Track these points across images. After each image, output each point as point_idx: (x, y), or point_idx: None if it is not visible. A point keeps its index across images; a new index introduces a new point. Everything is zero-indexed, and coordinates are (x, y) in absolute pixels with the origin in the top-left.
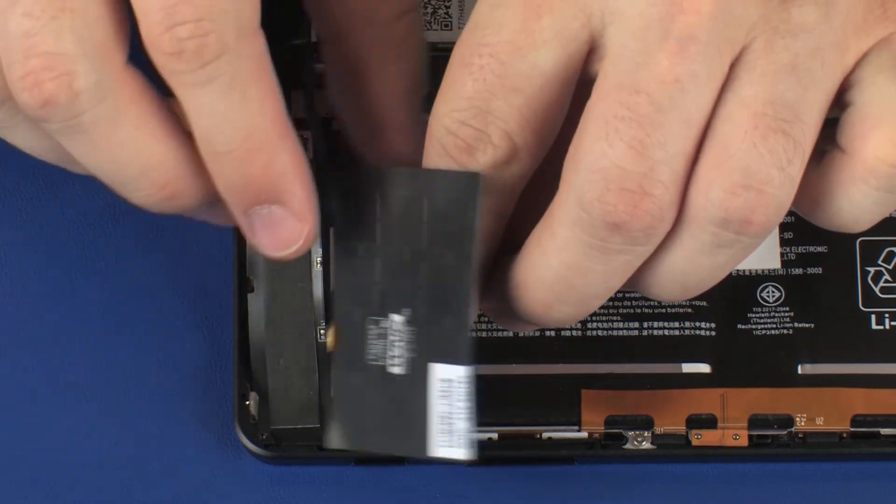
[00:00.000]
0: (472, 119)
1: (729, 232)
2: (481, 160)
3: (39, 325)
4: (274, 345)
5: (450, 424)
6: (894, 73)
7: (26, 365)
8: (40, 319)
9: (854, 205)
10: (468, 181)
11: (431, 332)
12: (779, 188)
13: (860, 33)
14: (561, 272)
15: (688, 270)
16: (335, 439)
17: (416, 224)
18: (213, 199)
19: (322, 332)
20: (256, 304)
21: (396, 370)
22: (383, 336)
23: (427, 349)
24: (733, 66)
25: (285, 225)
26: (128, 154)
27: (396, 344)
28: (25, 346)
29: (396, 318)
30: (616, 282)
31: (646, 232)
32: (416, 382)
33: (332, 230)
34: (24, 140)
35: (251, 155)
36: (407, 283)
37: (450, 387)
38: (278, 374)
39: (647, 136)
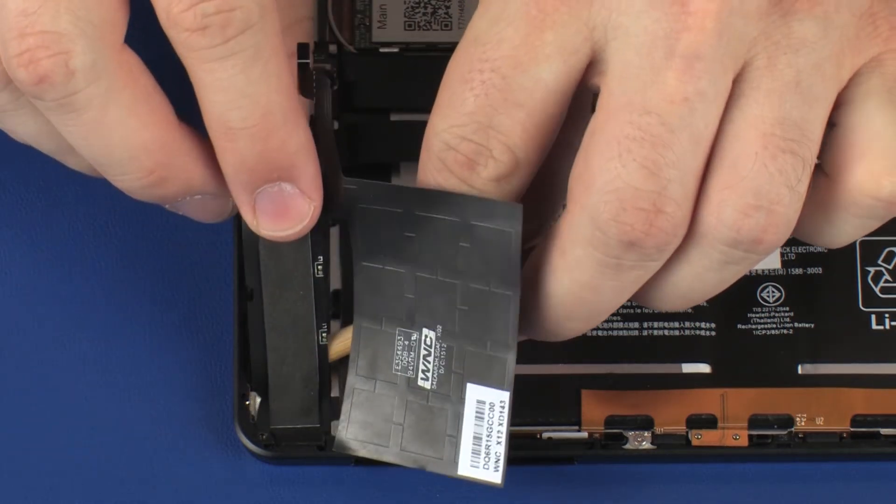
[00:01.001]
0: (472, 134)
1: (739, 251)
2: (483, 174)
3: (39, 325)
4: (275, 351)
5: (484, 446)
6: (881, 100)
7: (26, 365)
8: (40, 320)
9: (834, 228)
10: (511, 212)
11: (471, 353)
12: (788, 206)
13: (854, 50)
14: (573, 290)
15: (693, 284)
16: (349, 445)
17: (453, 246)
18: (198, 190)
19: (324, 335)
20: (255, 311)
21: (426, 384)
22: (412, 349)
23: (465, 368)
24: (737, 81)
25: (294, 203)
26: (118, 136)
27: (427, 359)
28: (25, 346)
29: (429, 333)
30: (625, 296)
31: (659, 248)
32: (448, 399)
33: (353, 239)
34: (24, 125)
35: (269, 131)
36: (440, 302)
37: (487, 409)
38: (280, 379)
39: (659, 156)
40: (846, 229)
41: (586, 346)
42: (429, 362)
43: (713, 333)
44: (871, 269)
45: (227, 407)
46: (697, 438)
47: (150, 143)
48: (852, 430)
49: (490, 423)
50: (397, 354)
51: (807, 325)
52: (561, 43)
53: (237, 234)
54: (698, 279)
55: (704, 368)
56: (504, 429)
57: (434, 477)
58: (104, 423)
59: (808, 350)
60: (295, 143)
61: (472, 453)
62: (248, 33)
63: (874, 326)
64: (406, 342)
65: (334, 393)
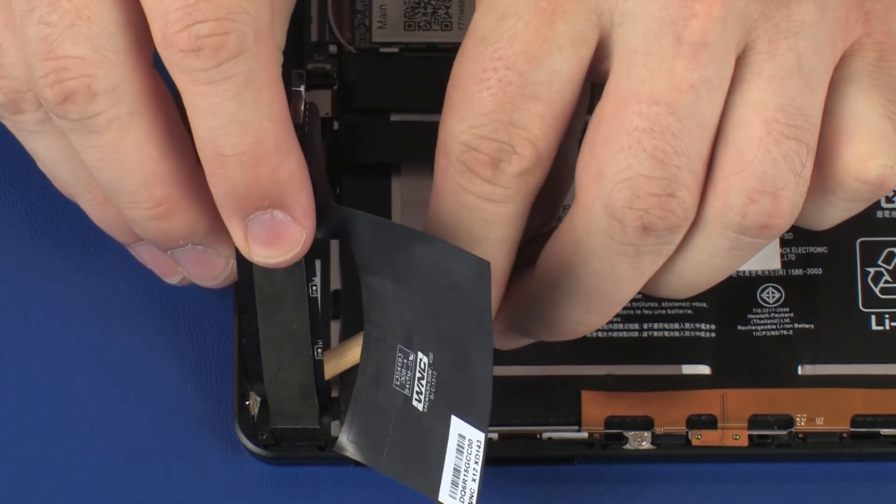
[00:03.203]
0: (494, 133)
1: (746, 236)
2: (507, 171)
3: (39, 326)
4: (270, 361)
5: (461, 479)
6: (865, 83)
7: (26, 366)
8: (40, 320)
9: (821, 210)
10: (479, 266)
11: (456, 387)
12: (794, 191)
13: (844, 31)
14: (591, 283)
15: (700, 270)
16: (349, 448)
17: (437, 284)
18: (201, 235)
19: (319, 350)
20: (249, 325)
21: (419, 406)
22: (410, 368)
23: (449, 399)
24: (738, 65)
25: (286, 230)
26: (133, 162)
27: (420, 381)
28: (24, 346)
29: (423, 358)
30: (640, 284)
31: (672, 231)
32: (435, 426)
33: (354, 255)
34: (48, 148)
35: (259, 159)
36: (432, 330)
37: (466, 444)
38: (275, 386)
39: (668, 145)
40: (832, 212)
41: (586, 347)
42: (422, 385)
43: (713, 334)
44: (871, 270)
45: (227, 407)
46: (697, 439)
47: (164, 173)
48: (852, 430)
49: (468, 458)
50: (397, 370)
51: (807, 326)
52: (572, 33)
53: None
54: (705, 265)
55: (704, 369)
56: (479, 467)
57: None
58: (104, 423)
59: (808, 351)
60: (287, 170)
61: (451, 484)
62: (242, 58)
63: (874, 327)
64: (405, 360)
65: (334, 393)
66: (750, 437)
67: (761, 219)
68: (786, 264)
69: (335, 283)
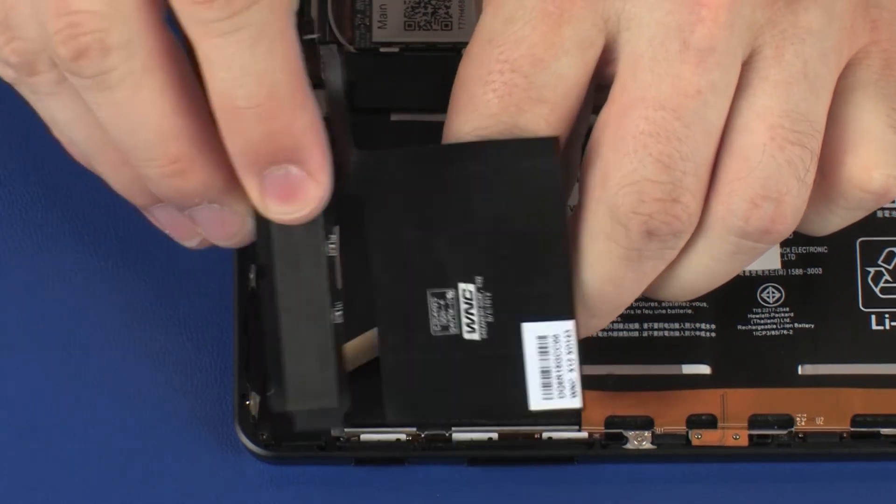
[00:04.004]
0: (499, 134)
1: (748, 241)
2: None
3: (38, 325)
4: (288, 329)
5: (554, 377)
6: (871, 91)
7: (25, 366)
8: (39, 320)
9: (823, 218)
10: (544, 145)
11: (521, 294)
12: (797, 197)
13: (850, 39)
14: (595, 286)
15: (701, 274)
16: (400, 414)
17: (490, 193)
18: (217, 192)
19: (338, 313)
20: (266, 290)
21: (474, 336)
22: (451, 306)
23: (514, 309)
24: (744, 71)
25: (301, 185)
26: (148, 118)
27: (469, 312)
28: (24, 346)
29: (467, 287)
30: (643, 287)
31: (676, 236)
32: (503, 344)
33: (368, 214)
34: (63, 109)
35: (274, 112)
36: (477, 254)
37: (551, 342)
38: (295, 359)
39: (674, 149)
40: (833, 219)
41: (586, 347)
42: (472, 315)
43: (713, 334)
44: (872, 270)
45: (227, 407)
46: (697, 438)
47: (180, 129)
48: (852, 430)
49: (557, 354)
50: (433, 316)
51: (807, 326)
52: (579, 37)
53: None
54: (707, 269)
55: (704, 369)
56: (574, 356)
57: (434, 477)
58: (104, 423)
59: (808, 350)
60: (301, 124)
61: (543, 387)
62: (255, 8)
63: (874, 327)
64: (441, 302)
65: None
66: (750, 436)
67: (764, 224)
68: (786, 264)
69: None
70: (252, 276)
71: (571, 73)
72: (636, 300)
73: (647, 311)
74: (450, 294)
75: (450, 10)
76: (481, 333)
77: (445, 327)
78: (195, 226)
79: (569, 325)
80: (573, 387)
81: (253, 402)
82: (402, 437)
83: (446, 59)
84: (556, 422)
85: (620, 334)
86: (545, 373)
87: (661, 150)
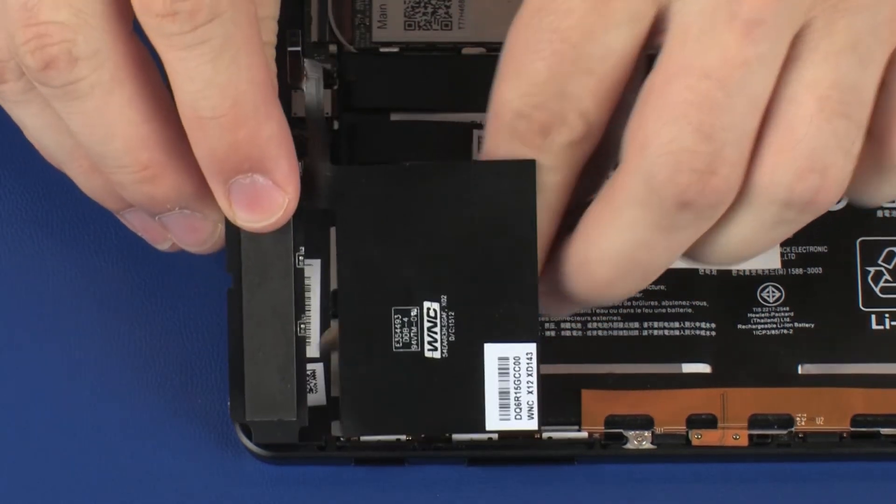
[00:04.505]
0: (546, 102)
1: (792, 211)
2: (557, 140)
3: (37, 326)
4: (251, 340)
5: (512, 398)
6: None
7: (25, 366)
8: (38, 320)
9: (875, 189)
10: (526, 169)
11: (485, 315)
12: (842, 169)
13: None
14: (626, 250)
15: (744, 242)
16: (353, 429)
17: (457, 214)
18: (188, 198)
19: (303, 326)
20: (234, 299)
21: (435, 354)
22: (413, 324)
23: (477, 330)
24: (794, 44)
25: (267, 195)
26: (118, 127)
27: (432, 331)
28: (23, 346)
29: (431, 305)
30: (677, 255)
31: (712, 208)
32: (463, 363)
33: (335, 229)
34: (33, 117)
35: (237, 122)
36: (444, 272)
37: (511, 363)
38: (255, 369)
39: (716, 119)
40: (887, 189)
41: (587, 346)
42: (435, 333)
43: (713, 333)
44: (872, 269)
45: (228, 407)
46: (697, 438)
47: (149, 137)
48: (852, 430)
49: (517, 375)
50: (396, 333)
51: (807, 325)
52: (630, 10)
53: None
54: (747, 238)
55: (704, 368)
56: (534, 378)
57: (434, 477)
58: (104, 423)
59: (808, 350)
60: (266, 134)
61: (501, 408)
62: (217, 22)
63: (874, 326)
64: (405, 319)
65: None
66: (750, 436)
67: (809, 195)
68: (786, 263)
69: (334, 283)
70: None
71: (620, 46)
72: (636, 299)
73: (647, 310)
74: (414, 311)
75: (450, 10)
76: (442, 352)
77: (407, 344)
78: (166, 231)
79: (530, 347)
80: (531, 409)
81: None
82: (402, 437)
83: (446, 59)
84: (515, 434)
85: (620, 334)
86: (504, 394)
87: (703, 119)
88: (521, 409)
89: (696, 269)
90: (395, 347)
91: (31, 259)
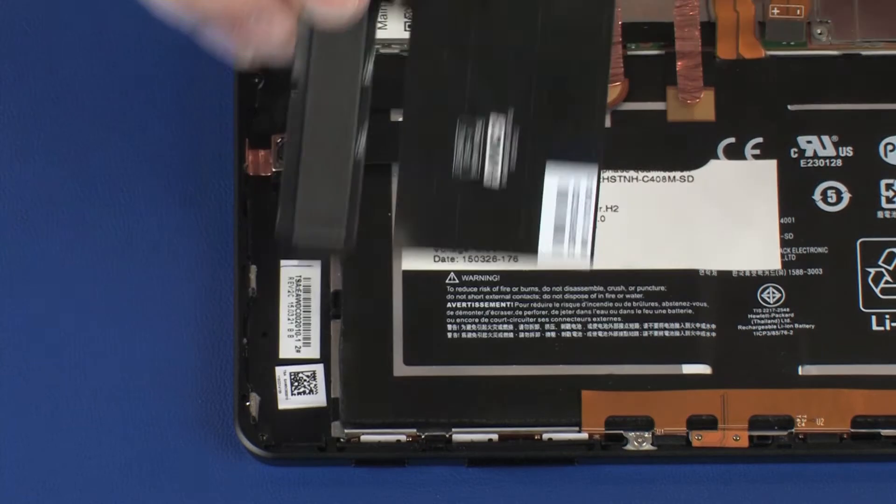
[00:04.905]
0: None
1: None
2: None
3: (39, 327)
4: (311, 144)
5: (569, 232)
6: None
7: (26, 367)
8: (39, 321)
9: None
10: None
11: (551, 133)
12: None
13: None
14: None
15: None
16: (406, 240)
17: (531, 23)
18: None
19: (362, 138)
20: (297, 102)
21: (497, 169)
22: (476, 136)
23: (542, 149)
24: None
25: None
26: None
27: (495, 145)
28: (23, 346)
29: (497, 119)
30: None
31: None
32: (523, 188)
33: (413, 29)
34: None
35: None
36: (511, 83)
37: (571, 197)
38: (311, 173)
39: None
40: None
41: (587, 348)
42: (498, 149)
43: (713, 334)
44: (872, 270)
45: (227, 407)
46: (698, 439)
47: None
48: (853, 430)
49: (574, 205)
50: (458, 144)
51: (807, 326)
52: None
53: (238, 230)
54: None
55: (705, 369)
56: (592, 208)
57: (434, 477)
58: (104, 423)
59: (808, 351)
60: None
61: (555, 240)
62: None
63: (874, 327)
64: (469, 130)
65: None
66: (750, 437)
67: None
68: (786, 264)
69: (335, 284)
70: (252, 276)
71: None
72: (636, 299)
73: (647, 311)
74: (479, 124)
75: None
76: (503, 175)
77: (467, 164)
78: (248, 38)
79: (592, 175)
80: (584, 244)
81: (253, 403)
82: (403, 438)
83: None
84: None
85: (620, 334)
86: (559, 227)
87: None
88: (575, 242)
89: (697, 270)
90: (455, 167)
91: (31, 261)
